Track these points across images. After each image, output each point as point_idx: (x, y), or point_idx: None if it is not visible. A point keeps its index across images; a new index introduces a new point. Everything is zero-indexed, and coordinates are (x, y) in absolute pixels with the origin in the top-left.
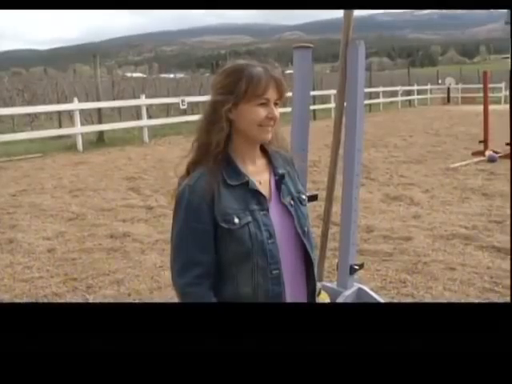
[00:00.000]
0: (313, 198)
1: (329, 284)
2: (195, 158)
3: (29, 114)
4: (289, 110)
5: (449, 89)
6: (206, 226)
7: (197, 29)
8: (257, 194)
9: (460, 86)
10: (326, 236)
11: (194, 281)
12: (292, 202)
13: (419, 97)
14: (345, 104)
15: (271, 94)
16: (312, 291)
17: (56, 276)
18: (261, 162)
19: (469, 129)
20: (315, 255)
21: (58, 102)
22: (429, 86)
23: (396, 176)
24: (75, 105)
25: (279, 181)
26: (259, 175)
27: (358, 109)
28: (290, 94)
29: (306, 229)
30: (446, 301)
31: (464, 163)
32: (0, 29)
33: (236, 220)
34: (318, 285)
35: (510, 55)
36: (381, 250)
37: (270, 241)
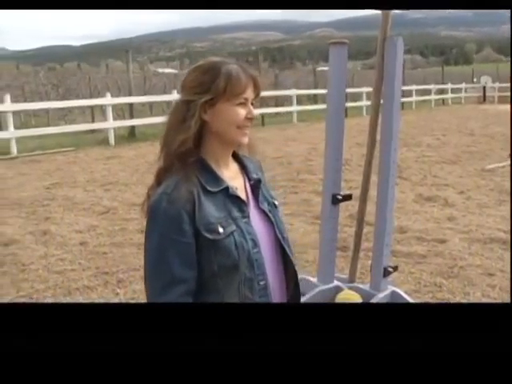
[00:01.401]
0: (347, 197)
1: (361, 286)
2: (166, 164)
3: (63, 109)
4: (322, 107)
5: (484, 87)
6: (188, 238)
7: (228, 25)
8: (237, 201)
9: (497, 84)
10: (359, 236)
11: (178, 300)
12: (269, 208)
13: (453, 95)
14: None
15: (249, 93)
16: (295, 297)
17: (88, 269)
18: (234, 166)
19: (505, 129)
20: (295, 260)
21: (91, 97)
22: (463, 85)
23: (429, 176)
24: (108, 99)
25: (255, 186)
26: (234, 181)
27: (395, 107)
28: (323, 91)
29: (285, 235)
30: None
31: (501, 165)
32: (39, 26)
33: (220, 229)
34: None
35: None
36: (414, 251)
37: (255, 250)
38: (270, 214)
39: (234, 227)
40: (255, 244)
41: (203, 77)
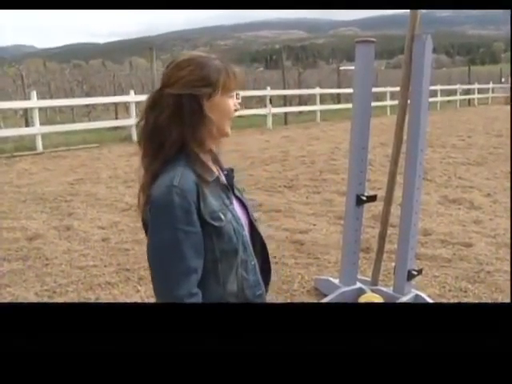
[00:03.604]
0: (371, 198)
1: (384, 289)
2: (162, 158)
3: (87, 105)
4: (346, 106)
5: None
6: (198, 228)
7: (251, 23)
8: (225, 189)
9: None
10: (383, 238)
11: (193, 290)
12: (240, 194)
13: (479, 96)
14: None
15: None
16: (269, 276)
17: (109, 265)
18: (209, 157)
19: None
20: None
21: (115, 94)
22: (490, 85)
23: (454, 178)
24: (131, 97)
25: (228, 175)
26: (215, 171)
27: (423, 107)
28: (347, 90)
29: (255, 216)
30: None
31: None
32: (66, 24)
33: (222, 216)
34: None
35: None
36: (439, 255)
37: (244, 233)
38: (243, 199)
39: (230, 214)
40: (243, 228)
41: (202, 71)
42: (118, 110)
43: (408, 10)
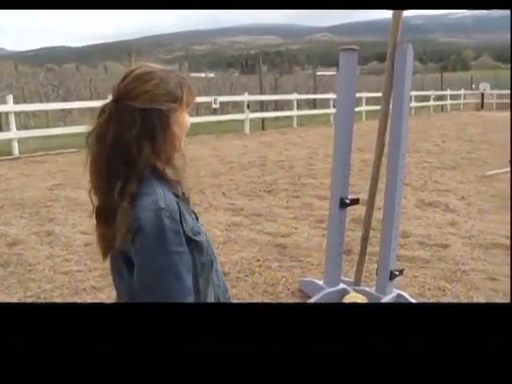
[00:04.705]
0: (355, 201)
1: (367, 289)
2: (137, 179)
3: (62, 110)
4: (322, 111)
5: (483, 94)
6: (185, 247)
7: (227, 28)
8: (188, 202)
9: (495, 91)
10: (366, 240)
11: None
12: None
13: (452, 102)
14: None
15: None
16: None
17: (94, 270)
18: (172, 172)
19: (504, 136)
20: None
21: (91, 99)
22: (462, 91)
23: (430, 182)
24: None
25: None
26: None
27: (404, 112)
28: (324, 96)
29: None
30: None
31: (501, 171)
32: (38, 27)
33: (199, 230)
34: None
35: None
36: (418, 256)
37: (209, 243)
38: (193, 209)
39: (201, 226)
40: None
41: (168, 86)
42: (95, 114)
43: (383, 17)
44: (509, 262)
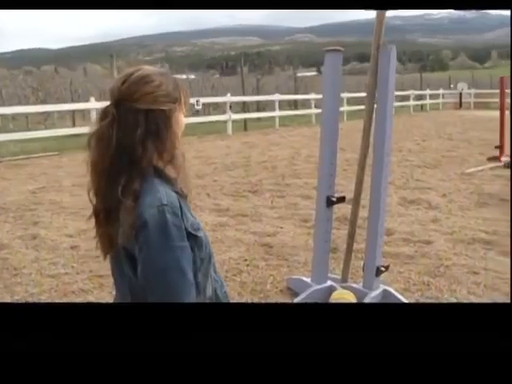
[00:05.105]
0: (341, 199)
1: (354, 285)
2: (140, 177)
3: (42, 113)
4: (304, 112)
5: (461, 94)
6: (187, 242)
7: (207, 30)
8: (184, 198)
9: (472, 90)
10: (352, 238)
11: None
12: None
13: (431, 101)
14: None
15: None
16: None
17: (81, 273)
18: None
19: (482, 134)
20: None
21: (72, 101)
22: (441, 91)
23: (412, 180)
24: (92, 104)
25: None
26: None
27: (388, 112)
28: (305, 96)
29: None
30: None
31: (480, 168)
32: (15, 29)
33: (199, 226)
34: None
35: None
36: (402, 252)
37: (208, 238)
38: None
39: (199, 221)
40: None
41: (168, 87)
42: (76, 117)
43: (362, 18)
44: (488, 256)
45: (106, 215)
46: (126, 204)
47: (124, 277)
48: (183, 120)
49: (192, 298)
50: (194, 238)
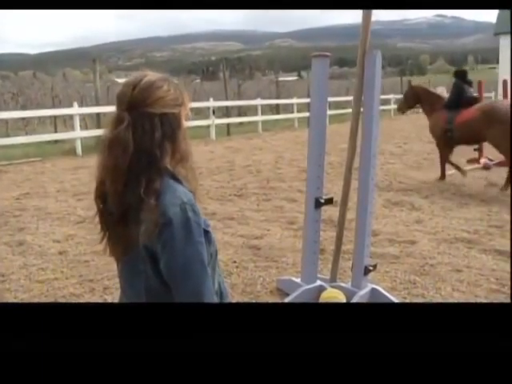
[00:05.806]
0: (329, 201)
1: (343, 284)
2: (157, 177)
3: (23, 118)
4: (285, 116)
5: None
6: (203, 237)
7: (187, 35)
8: (194, 196)
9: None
10: (340, 239)
11: (214, 291)
12: None
13: None
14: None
15: None
16: None
17: (71, 277)
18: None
19: None
20: None
21: (53, 106)
22: None
23: (395, 182)
24: (75, 109)
25: None
26: None
27: (374, 115)
28: (286, 101)
29: None
30: (455, 301)
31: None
32: None
33: (208, 223)
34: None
35: (506, 64)
36: (387, 252)
37: (214, 234)
38: None
39: (207, 220)
40: None
41: (175, 92)
42: (57, 122)
43: (341, 23)
44: (470, 254)
45: (121, 217)
46: (148, 203)
47: (140, 274)
48: (184, 122)
49: (211, 287)
50: (206, 234)
